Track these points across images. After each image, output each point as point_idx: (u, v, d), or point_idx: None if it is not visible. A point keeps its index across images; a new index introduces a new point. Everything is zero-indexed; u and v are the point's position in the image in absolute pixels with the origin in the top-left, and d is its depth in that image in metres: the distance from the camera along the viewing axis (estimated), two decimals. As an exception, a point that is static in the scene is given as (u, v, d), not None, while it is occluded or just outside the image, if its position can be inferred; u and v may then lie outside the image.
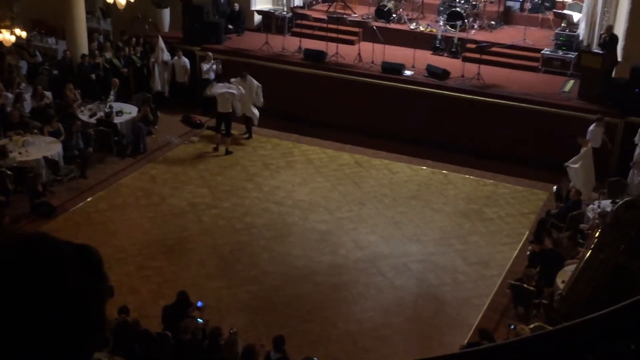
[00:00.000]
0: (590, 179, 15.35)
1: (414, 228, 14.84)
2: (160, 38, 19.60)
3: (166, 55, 19.51)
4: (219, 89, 17.67)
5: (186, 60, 19.53)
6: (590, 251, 6.80)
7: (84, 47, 19.67)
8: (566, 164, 15.16)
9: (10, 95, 17.50)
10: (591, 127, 15.68)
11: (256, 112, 18.25)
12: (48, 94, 18.00)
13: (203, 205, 15.49)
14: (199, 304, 11.23)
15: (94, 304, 1.36)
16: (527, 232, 14.60)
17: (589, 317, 1.54)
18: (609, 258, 6.23)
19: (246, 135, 18.46)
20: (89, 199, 15.57)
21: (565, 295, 7.12)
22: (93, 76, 18.99)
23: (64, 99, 17.94)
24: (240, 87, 17.83)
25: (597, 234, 6.81)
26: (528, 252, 13.13)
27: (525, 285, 11.77)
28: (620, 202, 6.64)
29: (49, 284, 1.30)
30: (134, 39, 20.29)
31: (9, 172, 14.73)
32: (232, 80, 18.03)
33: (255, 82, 18.10)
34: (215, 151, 17.79)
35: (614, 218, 6.55)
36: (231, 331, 10.53)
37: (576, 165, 15.23)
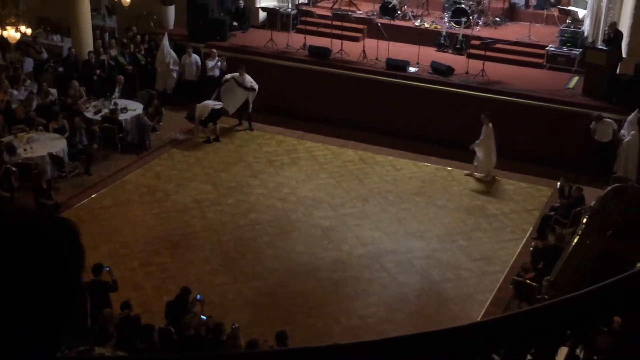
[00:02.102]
0: (491, 157, 16.14)
1: (418, 224, 14.85)
2: (165, 37, 19.56)
3: (168, 55, 19.45)
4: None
5: (197, 57, 19.55)
6: (577, 237, 6.81)
7: (89, 44, 19.72)
8: (472, 145, 16.17)
9: (15, 92, 17.55)
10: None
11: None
12: (53, 90, 18.06)
13: (207, 202, 15.53)
14: (199, 297, 11.27)
15: (73, 272, 1.40)
16: (531, 229, 14.60)
17: (569, 296, 1.57)
18: (596, 243, 6.24)
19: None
20: (93, 196, 15.62)
21: (553, 281, 7.13)
22: (98, 72, 19.04)
23: (69, 95, 17.99)
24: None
25: (584, 220, 6.82)
26: (531, 249, 13.15)
27: (527, 281, 11.80)
28: (609, 188, 6.64)
29: (30, 249, 1.35)
30: (138, 37, 20.33)
31: (13, 168, 14.78)
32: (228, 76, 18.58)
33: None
34: (208, 142, 18.10)
35: (601, 204, 6.56)
36: (233, 327, 10.57)
37: (478, 148, 16.14)
